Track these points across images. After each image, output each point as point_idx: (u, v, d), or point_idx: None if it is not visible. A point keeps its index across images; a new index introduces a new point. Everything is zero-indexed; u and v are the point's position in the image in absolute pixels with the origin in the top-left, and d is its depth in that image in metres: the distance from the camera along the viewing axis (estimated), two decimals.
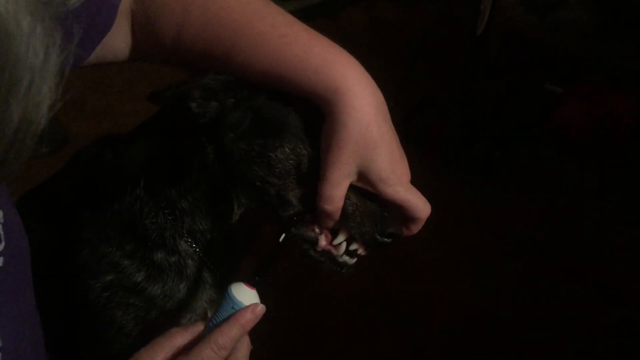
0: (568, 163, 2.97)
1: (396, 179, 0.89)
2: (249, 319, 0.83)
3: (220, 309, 0.85)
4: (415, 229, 0.96)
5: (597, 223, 2.71)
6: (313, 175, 0.90)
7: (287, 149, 0.91)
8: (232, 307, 0.84)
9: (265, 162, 0.91)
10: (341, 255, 0.94)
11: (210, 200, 0.97)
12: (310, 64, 0.86)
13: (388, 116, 0.90)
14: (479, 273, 2.47)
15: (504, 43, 3.45)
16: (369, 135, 0.86)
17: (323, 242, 0.93)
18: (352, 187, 0.90)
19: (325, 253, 0.94)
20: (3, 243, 0.75)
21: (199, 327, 0.87)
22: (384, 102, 0.89)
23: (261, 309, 0.84)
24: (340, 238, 0.92)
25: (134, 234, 0.98)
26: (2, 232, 0.75)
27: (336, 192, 0.88)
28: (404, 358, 2.17)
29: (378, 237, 0.91)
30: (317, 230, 0.94)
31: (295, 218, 0.92)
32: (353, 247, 0.94)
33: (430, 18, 3.38)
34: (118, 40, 0.95)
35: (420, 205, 0.93)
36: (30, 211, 0.92)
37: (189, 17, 0.89)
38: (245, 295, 0.84)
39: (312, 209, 0.91)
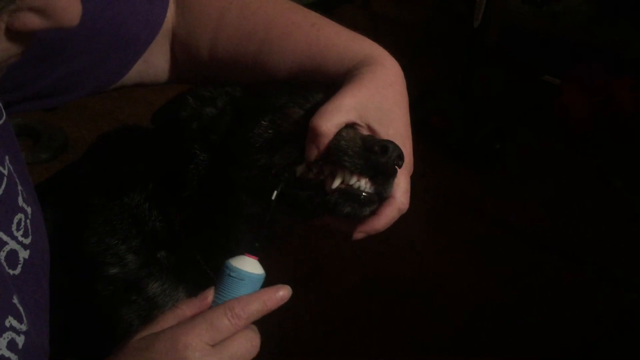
0: (570, 150, 2.98)
1: (403, 149, 0.82)
2: (272, 298, 0.75)
3: (222, 286, 0.76)
4: (387, 215, 0.84)
5: (601, 208, 2.71)
6: (303, 130, 0.82)
7: (263, 122, 0.88)
8: (238, 279, 0.75)
9: (248, 145, 0.88)
10: (354, 187, 0.81)
11: (206, 213, 0.97)
12: (340, 43, 0.90)
13: (407, 99, 0.89)
14: (483, 262, 2.47)
15: (501, 34, 3.45)
16: (391, 91, 0.84)
17: (330, 183, 0.81)
18: (350, 127, 0.82)
19: (337, 191, 0.81)
20: (30, 237, 0.79)
21: (208, 297, 0.77)
22: (405, 86, 0.89)
23: (286, 292, 0.76)
24: (337, 181, 0.81)
25: (141, 231, 0.99)
26: (30, 227, 0.80)
27: (334, 115, 0.79)
28: (411, 347, 2.16)
29: (372, 156, 0.79)
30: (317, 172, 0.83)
31: (286, 173, 0.83)
32: (359, 184, 0.82)
33: (427, 11, 3.38)
34: (159, 57, 1.00)
35: (403, 189, 0.84)
36: (46, 197, 0.93)
37: (225, 19, 0.94)
38: (249, 265, 0.76)
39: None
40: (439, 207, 2.62)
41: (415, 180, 0.90)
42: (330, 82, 0.88)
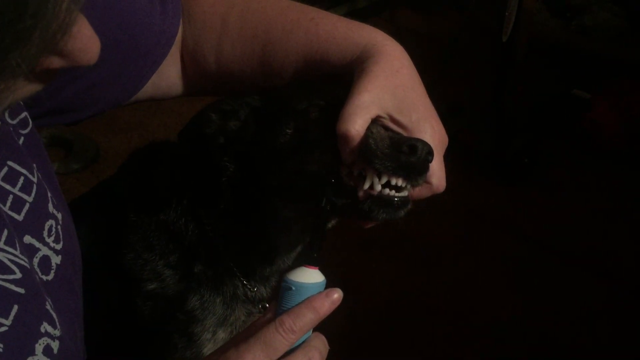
0: (600, 165, 2.94)
1: (430, 131, 0.83)
2: (323, 304, 0.71)
3: (284, 302, 0.73)
4: (419, 192, 0.85)
5: (632, 224, 2.67)
6: (328, 131, 0.82)
7: (286, 130, 0.89)
8: (298, 292, 0.72)
9: (276, 152, 0.89)
10: (384, 193, 0.80)
11: (242, 223, 0.98)
12: (339, 33, 0.90)
13: (419, 78, 0.88)
14: (512, 277, 2.45)
15: (530, 48, 3.43)
16: (400, 77, 0.84)
17: (362, 186, 0.81)
18: (375, 123, 0.82)
19: (369, 199, 0.81)
20: (61, 242, 0.80)
21: (267, 315, 0.75)
22: (414, 66, 0.88)
23: (338, 295, 0.73)
24: (367, 182, 0.80)
25: (178, 246, 1.00)
26: (61, 233, 0.81)
27: (358, 115, 0.79)
28: None
29: (402, 156, 0.78)
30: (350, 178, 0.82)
31: (330, 179, 0.81)
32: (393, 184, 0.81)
33: (455, 25, 3.37)
34: (171, 69, 1.00)
35: (438, 174, 0.84)
36: (81, 213, 0.94)
37: (227, 26, 0.96)
38: (310, 276, 0.73)
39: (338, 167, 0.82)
40: (468, 221, 2.61)
41: (444, 195, 0.89)
42: (337, 73, 0.89)
